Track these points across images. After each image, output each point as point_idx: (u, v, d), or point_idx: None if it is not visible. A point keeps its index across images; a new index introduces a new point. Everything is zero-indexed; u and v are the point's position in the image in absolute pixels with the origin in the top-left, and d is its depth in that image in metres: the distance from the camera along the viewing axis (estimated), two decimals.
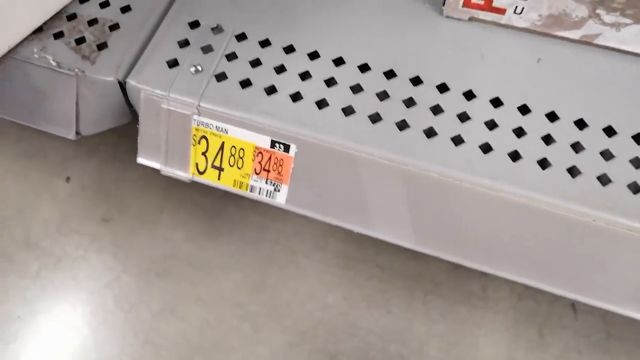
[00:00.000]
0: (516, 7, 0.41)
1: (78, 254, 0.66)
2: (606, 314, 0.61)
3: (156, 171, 0.46)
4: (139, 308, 0.62)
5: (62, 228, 0.68)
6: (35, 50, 0.44)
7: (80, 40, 0.45)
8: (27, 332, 0.61)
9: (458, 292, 0.62)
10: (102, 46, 0.44)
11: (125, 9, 0.47)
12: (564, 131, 0.40)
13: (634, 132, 0.40)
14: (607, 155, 0.39)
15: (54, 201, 0.69)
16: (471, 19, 0.44)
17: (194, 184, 0.47)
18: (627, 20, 0.40)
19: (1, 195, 0.70)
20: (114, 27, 0.45)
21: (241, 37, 0.45)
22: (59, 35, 0.45)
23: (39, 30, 0.45)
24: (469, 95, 0.41)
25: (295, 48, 0.44)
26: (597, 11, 0.40)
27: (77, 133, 0.45)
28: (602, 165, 0.39)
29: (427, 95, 0.41)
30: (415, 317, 0.61)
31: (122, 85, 0.44)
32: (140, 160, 0.46)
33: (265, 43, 0.44)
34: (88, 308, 0.62)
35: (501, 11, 0.42)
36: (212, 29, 0.45)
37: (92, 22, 0.46)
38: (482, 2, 0.42)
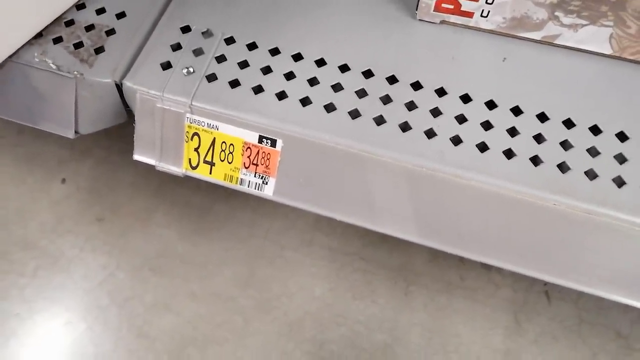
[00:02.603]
0: (482, 10, 0.45)
1: (74, 253, 0.68)
2: (578, 300, 0.64)
3: (148, 172, 0.49)
4: (134, 303, 0.65)
5: (58, 228, 0.70)
6: (35, 54, 0.47)
7: (78, 45, 0.48)
8: (25, 329, 0.63)
9: (438, 282, 0.66)
10: (99, 50, 0.47)
11: (121, 15, 0.50)
12: (527, 124, 0.43)
13: (591, 124, 0.43)
14: (566, 145, 0.42)
15: (50, 202, 0.72)
16: (442, 22, 0.48)
17: (184, 183, 0.50)
18: (584, 22, 0.44)
19: None
20: (110, 32, 0.48)
21: (230, 40, 0.48)
22: (58, 40, 0.48)
23: (39, 35, 0.48)
24: (441, 92, 0.45)
25: (281, 50, 0.47)
26: (556, 13, 0.44)
27: (76, 132, 0.48)
28: (561, 154, 0.42)
29: (402, 92, 0.45)
30: (399, 307, 0.64)
31: (119, 87, 0.47)
32: (137, 157, 0.48)
33: (252, 46, 0.48)
34: (84, 304, 0.65)
35: (469, 15, 0.46)
36: (203, 33, 0.48)
37: (89, 28, 0.49)
38: (452, 7, 0.46)
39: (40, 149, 0.76)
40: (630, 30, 0.43)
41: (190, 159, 0.47)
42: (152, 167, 0.48)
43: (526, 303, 0.64)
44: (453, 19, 0.47)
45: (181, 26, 0.48)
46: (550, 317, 0.64)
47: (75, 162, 0.75)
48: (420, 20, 0.48)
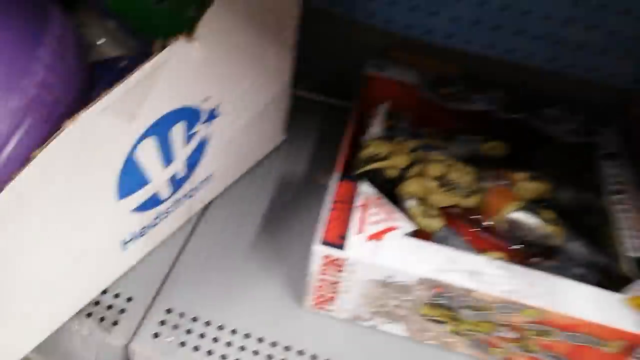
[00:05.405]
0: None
1: None
2: None
3: None
4: None
5: None
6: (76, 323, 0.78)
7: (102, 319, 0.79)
8: None
9: None
10: (115, 323, 0.79)
11: (130, 299, 0.82)
12: None
13: None
14: None
15: None
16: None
17: None
18: (387, 320, 0.81)
19: None
20: (122, 311, 0.81)
21: (208, 323, 0.81)
22: (89, 315, 0.79)
23: None
24: None
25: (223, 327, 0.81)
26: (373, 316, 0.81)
27: None
28: None
29: None
30: None
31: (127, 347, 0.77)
32: None
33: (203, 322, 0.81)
34: None
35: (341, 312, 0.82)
36: (181, 315, 0.81)
37: (109, 307, 0.81)
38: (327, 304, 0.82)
39: None
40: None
41: None
42: None
43: None
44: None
45: (166, 308, 0.82)
46: None
47: None
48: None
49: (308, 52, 1.02)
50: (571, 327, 0.69)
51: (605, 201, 0.88)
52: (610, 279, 0.79)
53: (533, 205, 0.87)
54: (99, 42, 0.97)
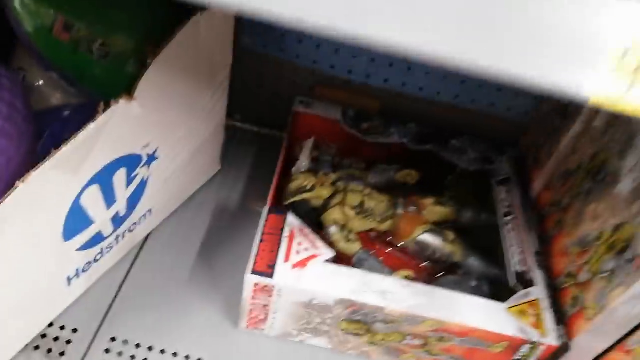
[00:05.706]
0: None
1: None
2: None
3: None
4: None
5: None
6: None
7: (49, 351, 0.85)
8: None
9: None
10: (62, 354, 0.85)
11: (75, 330, 0.88)
12: None
13: None
14: None
15: None
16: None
17: None
18: (310, 335, 0.92)
19: None
20: (69, 342, 0.87)
21: (151, 348, 0.88)
22: (37, 348, 0.85)
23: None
24: None
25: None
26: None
27: None
28: None
29: None
30: None
31: None
32: None
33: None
34: None
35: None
36: (124, 342, 0.88)
37: (56, 339, 0.87)
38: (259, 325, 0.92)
39: None
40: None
41: None
42: None
43: None
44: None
45: (110, 337, 0.88)
46: None
47: None
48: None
49: (243, 87, 1.11)
50: (464, 333, 0.82)
51: (498, 221, 1.03)
52: (503, 290, 0.93)
53: (438, 227, 1.01)
54: (37, 84, 1.02)
